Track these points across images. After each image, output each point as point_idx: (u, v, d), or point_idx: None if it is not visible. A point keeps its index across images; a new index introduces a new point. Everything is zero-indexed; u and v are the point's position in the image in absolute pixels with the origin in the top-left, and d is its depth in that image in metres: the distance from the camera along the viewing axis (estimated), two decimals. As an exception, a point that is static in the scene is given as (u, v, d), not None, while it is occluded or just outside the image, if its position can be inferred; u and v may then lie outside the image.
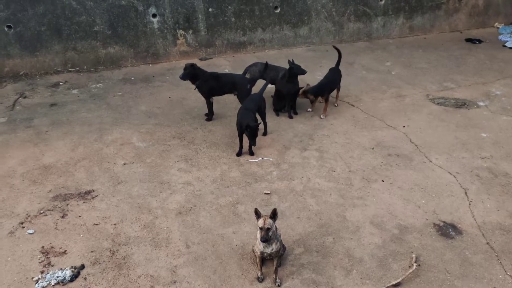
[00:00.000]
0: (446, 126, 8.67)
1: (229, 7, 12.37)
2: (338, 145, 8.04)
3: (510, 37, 13.93)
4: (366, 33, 13.86)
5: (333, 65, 9.45)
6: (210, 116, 8.94)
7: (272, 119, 8.91)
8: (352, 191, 6.94)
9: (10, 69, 10.98)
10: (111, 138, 8.26)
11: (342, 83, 9.92)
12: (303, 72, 8.61)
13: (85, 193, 6.88)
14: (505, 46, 13.32)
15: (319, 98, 9.06)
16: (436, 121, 8.85)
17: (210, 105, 8.88)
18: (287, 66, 9.42)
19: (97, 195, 6.83)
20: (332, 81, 9.06)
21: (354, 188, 7.00)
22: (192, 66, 8.38)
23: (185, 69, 8.45)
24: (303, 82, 9.53)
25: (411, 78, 10.93)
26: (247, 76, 8.95)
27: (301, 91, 8.71)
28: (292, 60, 8.71)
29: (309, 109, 9.08)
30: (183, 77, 8.36)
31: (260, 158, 7.61)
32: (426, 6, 14.09)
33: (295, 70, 8.59)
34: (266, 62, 9.04)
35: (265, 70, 8.98)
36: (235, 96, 8.89)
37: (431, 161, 7.63)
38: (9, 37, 10.83)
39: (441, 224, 6.30)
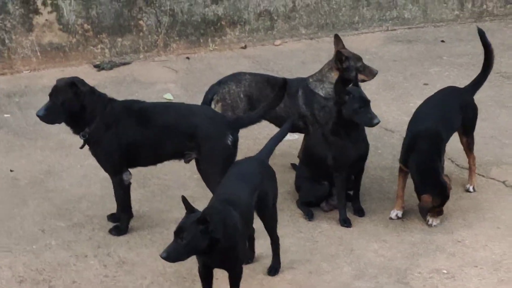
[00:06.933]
0: None
1: None
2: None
3: None
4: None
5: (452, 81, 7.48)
6: (124, 220, 5.96)
7: (294, 229, 6.12)
8: None
9: None
10: None
11: (481, 129, 6.91)
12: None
13: None
14: None
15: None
16: None
17: (123, 190, 5.86)
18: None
19: None
20: (446, 123, 6.18)
21: None
22: (73, 85, 5.72)
23: (53, 94, 5.76)
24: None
25: None
26: (215, 106, 6.40)
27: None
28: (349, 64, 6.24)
29: (395, 213, 6.14)
30: (48, 116, 5.75)
31: None
32: None
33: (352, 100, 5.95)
34: (284, 79, 6.00)
35: (278, 96, 5.82)
36: (189, 164, 6.01)
37: None
38: None
39: None
